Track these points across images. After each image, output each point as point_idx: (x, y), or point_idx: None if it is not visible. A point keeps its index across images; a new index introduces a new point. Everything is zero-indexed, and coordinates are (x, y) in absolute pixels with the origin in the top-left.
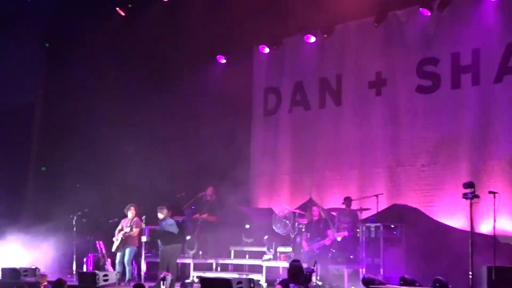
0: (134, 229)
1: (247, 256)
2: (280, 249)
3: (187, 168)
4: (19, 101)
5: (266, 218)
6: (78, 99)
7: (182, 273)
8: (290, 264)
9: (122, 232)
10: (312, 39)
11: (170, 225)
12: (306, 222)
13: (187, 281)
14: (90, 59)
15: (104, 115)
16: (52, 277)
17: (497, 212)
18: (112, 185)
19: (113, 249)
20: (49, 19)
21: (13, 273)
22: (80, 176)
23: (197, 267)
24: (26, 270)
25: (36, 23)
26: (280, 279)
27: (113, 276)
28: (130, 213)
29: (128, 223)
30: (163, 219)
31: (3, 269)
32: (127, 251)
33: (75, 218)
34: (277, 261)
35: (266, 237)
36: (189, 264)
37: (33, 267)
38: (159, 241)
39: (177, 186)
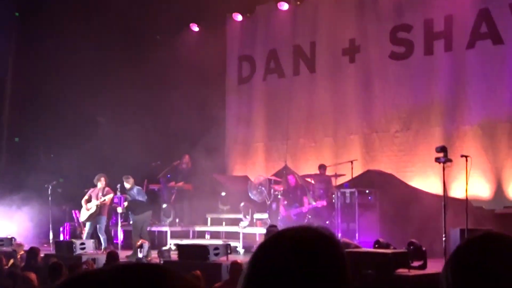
0: (107, 199)
1: (223, 223)
2: (256, 215)
3: (161, 137)
4: None
5: (242, 185)
6: (50, 70)
7: (159, 240)
8: (267, 230)
9: (98, 201)
10: (285, 6)
11: (138, 193)
12: (282, 189)
13: (164, 248)
14: (62, 29)
15: (76, 85)
16: (28, 247)
17: (469, 176)
18: (86, 155)
19: (83, 219)
20: None
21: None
22: (53, 147)
23: (174, 235)
24: (1, 239)
25: None
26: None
27: (90, 244)
28: (100, 183)
29: (100, 193)
30: (130, 188)
31: None
32: (101, 220)
33: (50, 188)
34: (253, 228)
35: (242, 204)
36: (166, 232)
37: (9, 236)
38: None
39: (152, 155)
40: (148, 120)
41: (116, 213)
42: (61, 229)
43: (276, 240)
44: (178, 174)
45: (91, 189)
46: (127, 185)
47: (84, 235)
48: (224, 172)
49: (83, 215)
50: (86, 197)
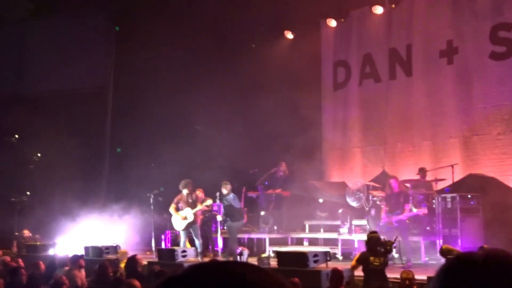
0: (208, 204)
1: (321, 229)
2: (355, 222)
3: (258, 144)
4: (92, 84)
5: (339, 191)
6: (148, 80)
7: (258, 248)
8: (368, 236)
9: (195, 209)
10: (380, 9)
11: (234, 200)
12: (384, 194)
13: (264, 255)
14: (156, 39)
15: (172, 93)
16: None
17: None
18: (185, 163)
19: (181, 228)
20: (114, 1)
21: (95, 251)
22: (153, 155)
23: (272, 242)
24: (107, 248)
25: (103, 6)
26: (359, 252)
27: (191, 251)
28: (186, 189)
29: (189, 199)
30: (227, 194)
31: (86, 248)
32: (194, 227)
33: (151, 196)
34: (352, 234)
35: (340, 210)
36: (265, 238)
37: (114, 244)
38: (228, 215)
39: (248, 162)
40: (243, 127)
41: (216, 220)
42: (162, 237)
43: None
44: (275, 181)
45: (178, 197)
46: (224, 191)
47: (181, 243)
48: (321, 178)
49: (180, 224)
50: (173, 205)
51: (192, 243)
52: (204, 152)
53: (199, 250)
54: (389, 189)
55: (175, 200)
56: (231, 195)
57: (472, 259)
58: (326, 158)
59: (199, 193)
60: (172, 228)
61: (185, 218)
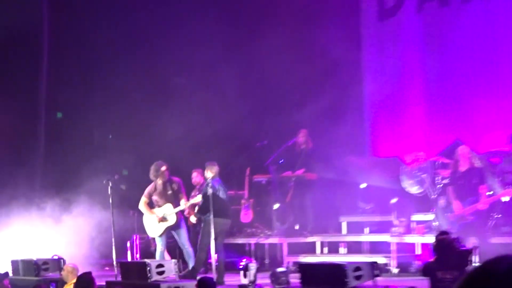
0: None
1: (366, 229)
2: (415, 217)
3: (266, 104)
4: (19, 25)
5: (391, 172)
6: (98, 15)
7: (271, 258)
8: (438, 238)
9: (177, 208)
10: None
11: (220, 188)
12: (450, 173)
13: (280, 269)
14: None
15: (136, 33)
16: (83, 271)
17: None
18: (155, 135)
19: (157, 233)
20: None
21: (28, 267)
22: (110, 123)
23: (292, 249)
24: (46, 262)
25: None
26: (423, 264)
27: (170, 265)
28: (161, 177)
29: (168, 189)
30: (213, 178)
31: (13, 262)
32: (179, 231)
33: (110, 184)
34: (411, 236)
35: (393, 200)
36: (281, 244)
37: (56, 257)
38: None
39: (254, 131)
40: (244, 79)
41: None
42: (128, 244)
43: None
44: (294, 159)
45: (151, 187)
46: (209, 174)
47: (158, 255)
48: (364, 153)
49: (155, 227)
50: (145, 199)
51: (174, 253)
52: (186, 118)
53: (189, 263)
54: (455, 164)
55: (147, 191)
56: (216, 182)
57: (494, 270)
58: (369, 123)
59: (196, 177)
60: (142, 231)
61: (163, 219)
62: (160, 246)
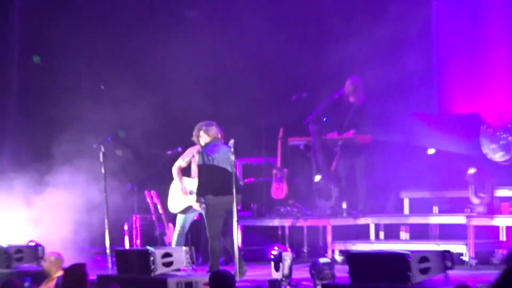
0: None
1: (434, 208)
2: (499, 192)
3: (304, 42)
4: None
5: (469, 132)
6: None
7: (311, 245)
8: None
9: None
10: None
11: (227, 156)
12: None
13: (323, 260)
14: None
15: None
16: (68, 262)
17: None
18: (164, 85)
19: (179, 209)
20: None
21: None
22: (101, 71)
23: (339, 234)
24: (19, 250)
25: None
26: (508, 253)
27: (180, 254)
28: (205, 137)
29: None
30: (213, 144)
31: None
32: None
33: (102, 148)
34: (494, 216)
35: (471, 170)
36: (324, 227)
37: (32, 243)
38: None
39: (290, 78)
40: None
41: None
42: (125, 227)
43: None
44: (342, 115)
45: (193, 149)
46: (205, 137)
47: (174, 239)
48: (433, 108)
49: (175, 201)
50: (181, 161)
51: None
52: (200, 59)
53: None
54: None
55: (186, 154)
56: (222, 148)
57: None
58: (438, 69)
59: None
60: (143, 210)
61: (188, 194)
62: (178, 227)
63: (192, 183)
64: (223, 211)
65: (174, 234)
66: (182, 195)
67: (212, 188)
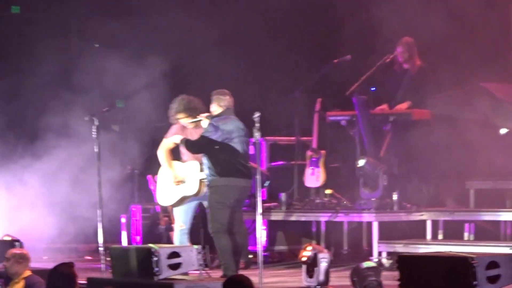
0: None
1: (508, 202)
2: None
3: None
4: None
5: None
6: None
7: (352, 245)
8: None
9: None
10: None
11: (239, 134)
12: None
13: (367, 264)
14: None
15: None
16: (50, 262)
17: None
18: (171, 43)
19: (171, 202)
20: None
21: None
22: (95, 26)
23: (389, 232)
24: None
25: None
26: None
27: (190, 255)
28: (190, 115)
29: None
30: (224, 116)
31: None
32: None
33: (95, 122)
34: None
35: None
36: (370, 223)
37: (8, 238)
38: (209, 165)
39: (330, 38)
40: None
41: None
42: (122, 219)
43: None
44: (394, 85)
45: (175, 128)
46: (215, 109)
47: (176, 237)
48: (507, 79)
49: (167, 192)
50: (166, 142)
51: (198, 237)
52: (214, 17)
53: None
54: None
55: (172, 131)
56: (234, 122)
57: None
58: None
59: None
60: (146, 199)
61: (180, 181)
62: (180, 222)
63: (185, 167)
64: (232, 199)
65: (175, 231)
66: (174, 184)
67: (217, 168)
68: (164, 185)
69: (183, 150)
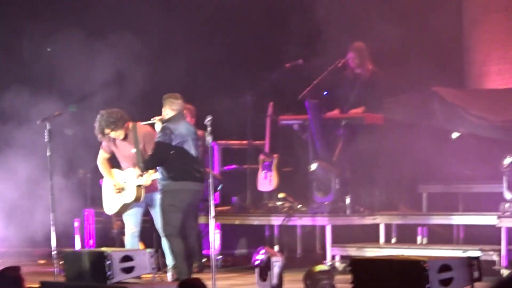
0: None
1: (459, 206)
2: None
3: None
4: None
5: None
6: None
7: (305, 248)
8: None
9: (150, 176)
10: None
11: (191, 137)
12: None
13: (320, 268)
14: None
15: None
16: (2, 265)
17: None
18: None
19: (115, 210)
20: None
21: None
22: (49, 26)
23: (341, 235)
24: None
25: None
26: None
27: (143, 258)
28: (119, 131)
29: (140, 143)
30: (176, 120)
31: None
32: (154, 211)
33: (47, 126)
34: None
35: (508, 159)
36: (323, 227)
37: None
38: (161, 170)
39: (281, 40)
40: None
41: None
42: (75, 223)
43: None
44: (347, 89)
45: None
46: (167, 113)
47: (127, 241)
48: (461, 83)
49: (110, 201)
50: (103, 152)
51: (150, 242)
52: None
53: (168, 260)
54: None
55: (107, 141)
56: (183, 125)
57: None
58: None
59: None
60: (98, 203)
61: (120, 189)
62: (130, 226)
63: (124, 175)
64: (185, 203)
65: (126, 235)
66: (115, 193)
67: (170, 172)
68: (107, 194)
69: (120, 158)
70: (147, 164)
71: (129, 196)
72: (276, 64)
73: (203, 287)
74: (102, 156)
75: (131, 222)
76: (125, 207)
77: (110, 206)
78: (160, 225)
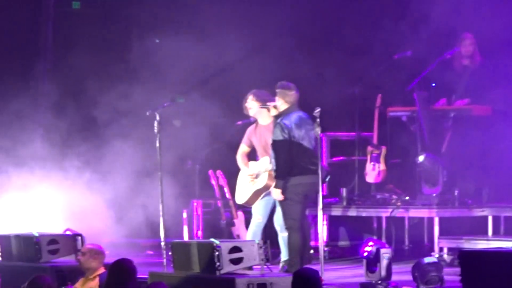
0: None
1: None
2: None
3: None
4: None
5: None
6: None
7: (415, 241)
8: None
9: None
10: None
11: (307, 128)
12: None
13: (428, 259)
14: None
15: None
16: (111, 257)
17: None
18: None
19: (243, 199)
20: None
21: (25, 247)
22: (157, 21)
23: (450, 227)
24: (54, 240)
25: None
26: None
27: (252, 249)
28: (252, 110)
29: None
30: (290, 113)
31: (1, 238)
32: (282, 203)
33: (157, 117)
34: None
35: None
36: (430, 220)
37: (69, 233)
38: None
39: (390, 34)
40: None
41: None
42: (184, 214)
43: None
44: (455, 81)
45: (250, 128)
46: (280, 105)
47: (251, 229)
48: None
49: (242, 190)
50: (244, 146)
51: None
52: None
53: (283, 258)
54: None
55: (246, 135)
56: (293, 118)
57: None
58: None
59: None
60: (207, 194)
61: (254, 176)
62: (258, 215)
63: (259, 165)
64: (302, 195)
65: (251, 223)
66: (250, 181)
67: (289, 168)
68: (241, 184)
69: (258, 148)
70: (279, 174)
71: (260, 182)
72: (384, 56)
73: (318, 278)
74: (242, 149)
75: (259, 212)
76: (256, 195)
77: (241, 195)
78: (279, 220)
